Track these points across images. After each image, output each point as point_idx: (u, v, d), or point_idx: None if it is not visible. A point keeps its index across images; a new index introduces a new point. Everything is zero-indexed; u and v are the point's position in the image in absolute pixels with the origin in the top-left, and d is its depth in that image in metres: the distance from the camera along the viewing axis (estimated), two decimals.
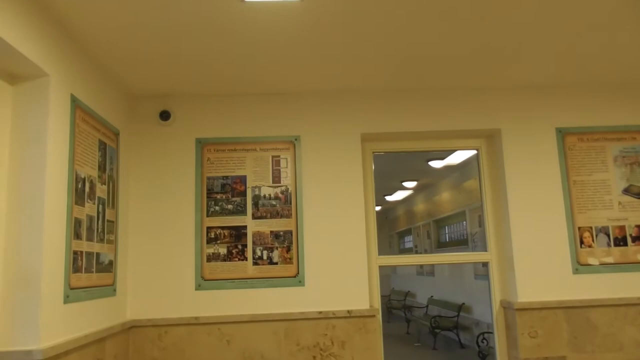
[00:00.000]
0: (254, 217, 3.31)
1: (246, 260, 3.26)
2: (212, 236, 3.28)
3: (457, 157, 6.15)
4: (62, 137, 2.37)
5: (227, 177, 3.35)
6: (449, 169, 7.27)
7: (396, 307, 11.37)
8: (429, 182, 8.87)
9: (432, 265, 10.16)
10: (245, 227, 3.30)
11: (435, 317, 8.27)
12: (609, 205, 3.33)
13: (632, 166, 3.37)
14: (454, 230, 8.72)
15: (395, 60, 2.97)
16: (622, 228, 3.31)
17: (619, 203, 3.33)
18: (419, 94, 3.45)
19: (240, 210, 3.32)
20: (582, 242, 3.28)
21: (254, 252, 3.27)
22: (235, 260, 3.26)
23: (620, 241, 3.29)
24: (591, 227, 3.30)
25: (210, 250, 3.26)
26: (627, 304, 3.21)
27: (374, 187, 3.53)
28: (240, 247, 3.28)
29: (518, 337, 3.19)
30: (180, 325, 3.15)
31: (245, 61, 2.92)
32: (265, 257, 3.28)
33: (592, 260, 3.27)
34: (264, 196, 3.34)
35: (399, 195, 10.21)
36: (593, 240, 3.29)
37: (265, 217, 3.32)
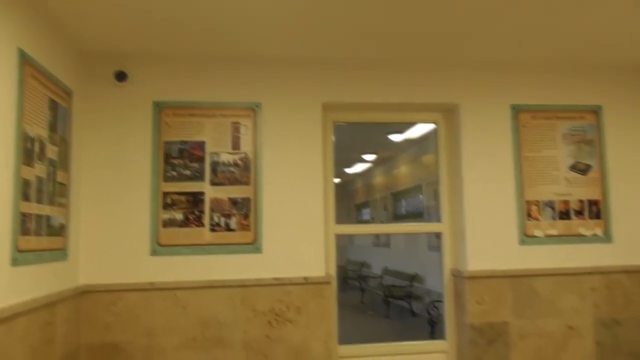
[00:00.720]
0: (212, 183, 3.29)
1: (203, 226, 3.25)
2: (169, 202, 3.24)
3: (416, 131, 6.25)
4: (8, 94, 2.27)
5: (185, 142, 3.30)
6: (408, 142, 7.38)
7: (352, 277, 11.62)
8: (388, 156, 8.99)
9: (388, 237, 10.38)
10: (203, 193, 3.28)
11: (389, 286, 8.51)
12: (556, 181, 3.48)
13: (579, 144, 3.52)
14: (411, 204, 8.91)
15: (358, 31, 2.96)
16: (566, 202, 3.47)
17: (565, 179, 3.48)
18: (381, 66, 3.46)
19: (198, 176, 3.28)
20: (529, 215, 3.43)
21: (211, 218, 3.26)
22: (192, 227, 3.24)
23: (564, 215, 3.46)
24: (538, 201, 3.45)
25: (167, 216, 3.23)
26: (566, 273, 3.40)
27: (334, 158, 3.55)
28: (197, 213, 3.26)
29: (466, 304, 3.34)
30: (135, 291, 3.13)
31: (208, 23, 2.85)
32: (222, 223, 3.27)
33: (538, 232, 3.43)
34: (223, 162, 3.31)
35: (358, 168, 10.31)
36: (539, 214, 3.44)
37: (224, 184, 3.30)
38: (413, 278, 8.05)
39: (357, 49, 3.27)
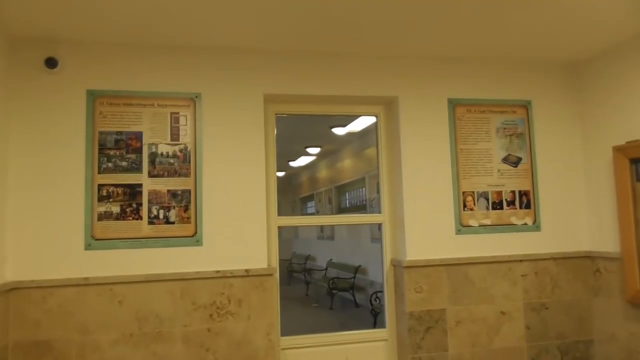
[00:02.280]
0: (150, 175, 3.20)
1: (141, 219, 3.16)
2: (104, 194, 3.13)
3: (359, 125, 6.32)
4: None
5: (121, 133, 3.19)
6: (351, 136, 7.46)
7: (297, 271, 11.65)
8: (332, 149, 9.05)
9: (332, 230, 10.48)
10: (140, 185, 3.18)
11: (333, 279, 8.60)
12: (490, 172, 3.63)
13: (511, 137, 3.69)
14: (354, 197, 9.02)
15: (301, 22, 2.96)
16: (499, 193, 3.63)
17: (498, 170, 3.64)
18: (323, 58, 3.48)
19: (136, 167, 3.19)
20: (465, 206, 3.56)
21: (149, 211, 3.18)
22: (129, 219, 3.15)
23: (497, 205, 3.62)
24: (473, 192, 3.59)
25: (102, 209, 3.11)
26: (499, 261, 3.56)
27: (276, 150, 3.55)
28: (135, 205, 3.17)
29: (405, 292, 3.43)
30: (68, 287, 3.00)
31: (144, 10, 2.75)
32: (161, 216, 3.20)
33: (473, 222, 3.57)
34: (162, 154, 3.23)
35: (302, 161, 10.32)
36: (474, 204, 3.58)
37: (163, 176, 3.22)
38: (356, 270, 8.17)
39: (298, 41, 3.26)
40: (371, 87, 3.54)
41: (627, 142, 3.29)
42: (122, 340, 3.02)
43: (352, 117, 5.94)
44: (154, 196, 3.19)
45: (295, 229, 13.02)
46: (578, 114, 3.81)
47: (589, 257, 3.68)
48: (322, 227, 10.90)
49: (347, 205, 9.37)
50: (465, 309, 3.49)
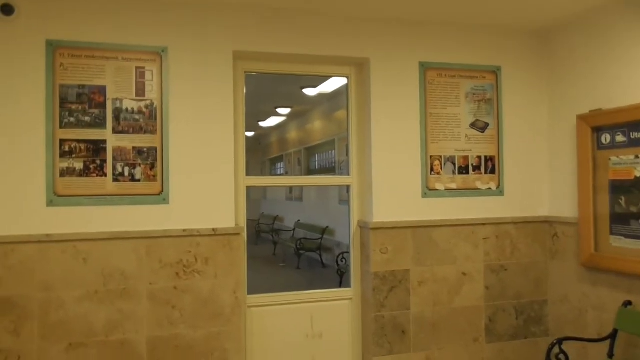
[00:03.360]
0: (115, 131, 3.12)
1: (105, 176, 3.09)
2: (67, 150, 3.04)
3: (330, 86, 6.28)
4: None
5: (83, 87, 3.07)
6: (322, 97, 7.41)
7: (265, 231, 11.72)
8: (302, 110, 8.99)
9: (301, 192, 10.53)
10: (104, 141, 3.10)
11: (301, 239, 8.70)
12: (458, 137, 3.67)
13: (479, 103, 3.72)
14: (324, 159, 9.05)
15: None
16: (466, 158, 3.69)
17: (466, 136, 3.69)
18: (295, 16, 3.40)
19: (99, 123, 3.09)
20: (432, 170, 3.61)
21: (114, 168, 3.11)
22: (93, 176, 3.07)
23: (464, 170, 3.68)
24: (441, 156, 3.64)
25: (64, 165, 3.03)
26: (463, 224, 3.65)
27: (245, 109, 3.49)
28: (99, 162, 3.09)
29: (371, 253, 3.49)
30: (30, 243, 2.94)
31: None
32: (127, 173, 3.13)
33: (439, 186, 3.63)
34: (127, 110, 3.14)
35: (272, 122, 10.23)
36: (441, 168, 3.63)
37: (128, 132, 3.14)
38: (324, 231, 8.28)
39: None
40: (343, 48, 3.49)
41: (591, 111, 3.37)
42: (87, 297, 3.00)
43: (323, 78, 5.89)
44: (119, 153, 3.12)
45: (263, 189, 13.01)
46: (546, 81, 3.86)
47: (548, 222, 3.82)
48: (290, 189, 10.93)
49: (317, 167, 9.40)
50: (428, 269, 3.60)
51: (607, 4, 3.29)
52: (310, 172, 9.62)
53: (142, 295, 3.09)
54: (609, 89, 3.29)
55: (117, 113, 3.12)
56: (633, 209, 3.10)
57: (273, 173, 12.30)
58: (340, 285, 6.12)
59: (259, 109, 8.72)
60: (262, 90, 6.78)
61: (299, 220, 10.03)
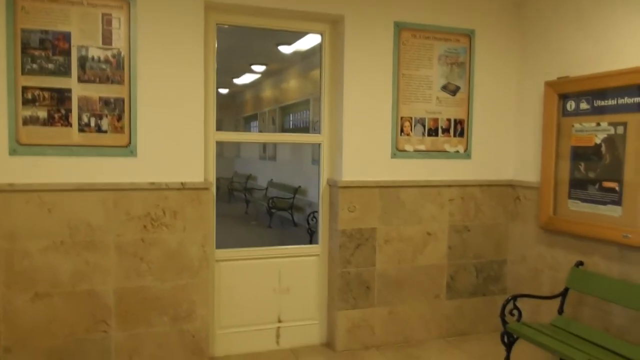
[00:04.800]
0: (81, 80, 3.04)
1: (71, 126, 3.03)
2: (29, 97, 2.96)
3: (305, 44, 6.18)
4: None
5: (46, 32, 2.96)
6: (297, 55, 7.30)
7: (238, 189, 11.70)
8: (278, 68, 8.85)
9: (275, 151, 10.49)
10: (69, 90, 3.02)
11: (273, 198, 8.73)
12: (429, 99, 3.70)
13: (452, 66, 3.74)
14: (298, 118, 8.99)
15: None
16: (436, 120, 3.73)
17: (437, 98, 3.72)
18: None
19: (64, 71, 3.00)
20: (402, 131, 3.65)
21: (80, 118, 3.04)
22: (58, 126, 3.01)
23: (433, 132, 3.73)
24: (411, 118, 3.67)
25: (27, 113, 2.95)
26: (430, 185, 3.73)
27: (219, 66, 3.43)
28: (63, 111, 3.02)
29: (339, 211, 3.55)
30: None
31: None
32: (93, 124, 3.07)
33: (408, 147, 3.68)
34: (92, 58, 3.05)
35: (247, 79, 10.07)
36: (411, 130, 3.67)
37: (94, 82, 3.06)
38: (296, 190, 8.32)
39: None
40: (318, 3, 3.43)
41: (558, 78, 3.43)
42: (53, 248, 2.99)
43: (299, 35, 5.79)
44: (85, 103, 3.05)
45: (237, 148, 12.91)
46: (518, 46, 3.89)
47: (511, 185, 3.93)
48: (264, 148, 10.87)
49: (291, 127, 9.34)
50: (394, 228, 3.68)
51: None
52: (284, 131, 9.55)
53: (109, 247, 3.09)
54: (576, 56, 3.34)
55: (82, 61, 3.03)
56: (591, 175, 3.21)
57: (247, 131, 12.18)
58: (310, 244, 6.21)
59: (233, 65, 8.55)
60: (237, 46, 6.63)
61: (271, 180, 10.04)
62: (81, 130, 3.05)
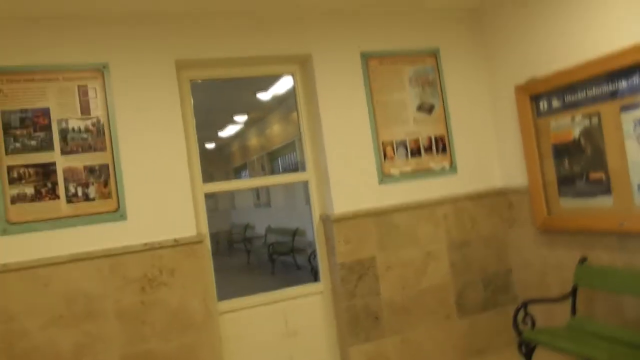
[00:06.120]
0: (64, 152, 3.08)
1: (58, 198, 3.05)
2: (15, 176, 2.99)
3: (281, 87, 6.31)
4: None
5: (26, 111, 3.03)
6: (276, 100, 7.43)
7: (237, 241, 11.65)
8: (259, 116, 8.99)
9: (268, 197, 10.52)
10: (54, 163, 3.06)
11: (273, 244, 8.68)
12: (406, 121, 3.76)
13: (423, 86, 3.82)
14: (286, 161, 9.07)
15: None
16: (416, 140, 3.78)
17: (414, 119, 3.78)
18: (233, 19, 3.42)
19: (46, 145, 3.05)
20: (385, 155, 3.69)
21: (67, 189, 3.07)
22: (46, 200, 3.03)
23: (416, 152, 3.77)
24: (392, 142, 3.71)
25: (15, 191, 2.97)
26: (421, 205, 3.73)
27: (197, 118, 3.49)
28: (50, 185, 3.05)
29: (335, 245, 3.54)
30: None
31: None
32: (80, 193, 3.10)
33: (394, 171, 3.71)
34: (73, 129, 3.11)
35: (231, 130, 10.20)
36: (394, 153, 3.71)
37: (77, 152, 3.11)
38: (295, 233, 8.29)
39: (206, 3, 3.18)
40: (284, 46, 3.53)
41: (527, 81, 3.50)
42: (52, 323, 2.95)
43: (273, 80, 5.92)
44: (70, 174, 3.08)
45: (232, 199, 12.94)
46: (484, 57, 3.99)
47: (502, 192, 3.94)
48: (258, 195, 10.91)
49: (280, 170, 9.41)
50: (393, 254, 3.66)
51: None
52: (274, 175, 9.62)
53: (109, 314, 3.05)
54: (541, 56, 3.43)
55: (63, 134, 3.08)
56: (576, 169, 3.24)
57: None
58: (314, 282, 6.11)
59: (215, 118, 8.69)
60: (216, 100, 6.77)
61: (269, 226, 10.02)
62: (69, 201, 3.06)
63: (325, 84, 3.59)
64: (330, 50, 3.61)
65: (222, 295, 3.47)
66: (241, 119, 9.06)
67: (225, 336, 3.43)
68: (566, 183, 3.32)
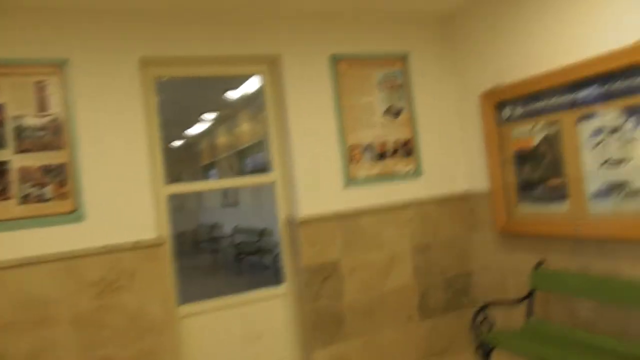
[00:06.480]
0: (18, 151, 2.96)
1: (10, 199, 2.93)
2: None
3: (251, 86, 6.25)
4: None
5: None
6: (245, 99, 7.36)
7: (204, 240, 11.51)
8: (228, 114, 8.89)
9: (236, 197, 10.42)
10: (6, 162, 2.94)
11: (239, 244, 8.61)
12: (374, 125, 3.77)
13: (391, 89, 3.84)
14: (255, 160, 8.99)
15: None
16: (383, 144, 3.79)
17: (381, 123, 3.79)
18: (202, 17, 3.36)
19: None
20: (352, 159, 3.69)
21: (20, 190, 2.95)
22: None
23: (382, 156, 3.78)
24: (359, 145, 3.72)
25: None
26: (387, 208, 3.75)
27: (163, 117, 3.41)
28: (2, 185, 2.92)
29: (301, 247, 3.52)
30: None
31: None
32: (35, 194, 2.98)
33: (360, 174, 3.71)
34: (29, 127, 2.99)
35: (199, 129, 10.06)
36: (361, 156, 3.71)
37: (32, 151, 2.99)
38: (261, 233, 8.24)
39: (175, 0, 3.12)
40: (253, 46, 3.49)
41: (492, 88, 3.56)
42: (4, 329, 2.83)
43: (243, 79, 5.85)
44: (24, 174, 2.97)
45: (199, 198, 12.77)
46: (451, 63, 4.04)
47: (465, 197, 4.00)
48: (225, 195, 10.80)
49: (249, 169, 9.32)
50: (358, 257, 3.67)
51: None
52: (244, 174, 9.53)
53: (65, 320, 2.96)
54: (507, 65, 3.49)
55: (18, 131, 2.97)
56: (535, 175, 3.31)
57: (207, 179, 12.09)
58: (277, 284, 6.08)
59: (184, 116, 8.54)
60: (185, 98, 6.64)
61: (236, 225, 9.93)
62: (23, 202, 2.95)
63: (294, 85, 3.56)
64: (299, 52, 3.59)
65: (187, 296, 3.40)
66: (210, 116, 8.95)
67: (187, 341, 3.37)
68: (526, 189, 3.39)
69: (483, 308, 3.17)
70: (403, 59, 3.89)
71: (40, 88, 3.03)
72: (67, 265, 2.98)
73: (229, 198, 10.79)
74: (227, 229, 10.61)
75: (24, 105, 2.99)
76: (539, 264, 3.30)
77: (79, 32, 3.10)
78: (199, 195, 12.59)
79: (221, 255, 10.20)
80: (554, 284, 3.16)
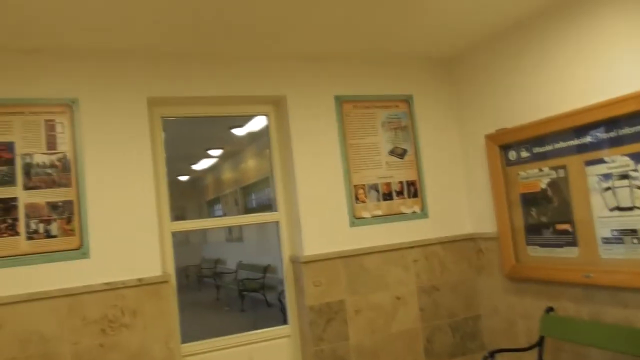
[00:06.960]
0: (26, 187, 2.99)
1: (18, 235, 2.94)
2: None
3: (257, 124, 6.30)
4: None
5: None
6: (251, 136, 7.43)
7: (207, 275, 11.40)
8: (234, 151, 8.96)
9: (241, 232, 10.38)
10: (15, 199, 2.96)
11: (243, 280, 8.53)
12: (378, 165, 3.79)
13: (396, 130, 3.87)
14: (260, 197, 9.00)
15: (184, 23, 2.90)
16: (388, 184, 3.80)
17: (386, 163, 3.81)
18: (207, 60, 3.44)
19: (8, 180, 2.96)
20: (357, 199, 3.69)
21: (27, 226, 2.96)
22: (5, 236, 2.92)
23: (387, 196, 3.79)
24: (364, 185, 3.73)
25: None
26: (392, 249, 3.73)
27: (168, 154, 3.45)
28: (10, 221, 2.94)
29: (305, 287, 3.49)
30: None
31: (11, 8, 2.55)
32: (41, 230, 3.00)
33: (365, 214, 3.71)
34: (38, 164, 3.03)
35: (204, 164, 10.12)
36: (366, 196, 3.72)
37: (40, 187, 3.02)
38: (266, 269, 8.17)
39: (183, 42, 3.19)
40: (258, 87, 3.55)
41: (497, 130, 3.58)
42: None
43: (248, 117, 5.92)
44: (32, 210, 2.99)
45: (203, 234, 12.73)
46: (455, 105, 4.08)
47: (471, 238, 3.97)
48: (230, 230, 10.77)
49: (254, 205, 9.33)
50: (362, 297, 3.62)
51: (499, 34, 3.56)
52: (247, 211, 9.52)
53: (66, 357, 2.92)
54: (511, 108, 3.52)
55: (27, 168, 3.00)
56: (543, 219, 3.29)
57: (211, 215, 12.08)
58: (285, 323, 5.99)
59: (189, 152, 8.61)
60: (191, 134, 6.71)
61: (240, 261, 9.86)
62: (29, 237, 2.96)
63: (299, 125, 3.61)
64: (304, 93, 3.64)
65: (189, 333, 3.36)
66: (215, 152, 9.01)
67: None
68: (534, 232, 3.37)
69: (492, 354, 3.09)
70: (407, 100, 3.94)
71: (49, 126, 3.09)
72: (70, 302, 2.96)
73: (234, 234, 10.76)
74: (231, 264, 10.53)
75: (33, 143, 3.04)
76: (549, 310, 3.24)
77: (88, 73, 3.17)
78: (203, 230, 12.57)
79: (224, 291, 10.09)
80: (564, 331, 3.09)
